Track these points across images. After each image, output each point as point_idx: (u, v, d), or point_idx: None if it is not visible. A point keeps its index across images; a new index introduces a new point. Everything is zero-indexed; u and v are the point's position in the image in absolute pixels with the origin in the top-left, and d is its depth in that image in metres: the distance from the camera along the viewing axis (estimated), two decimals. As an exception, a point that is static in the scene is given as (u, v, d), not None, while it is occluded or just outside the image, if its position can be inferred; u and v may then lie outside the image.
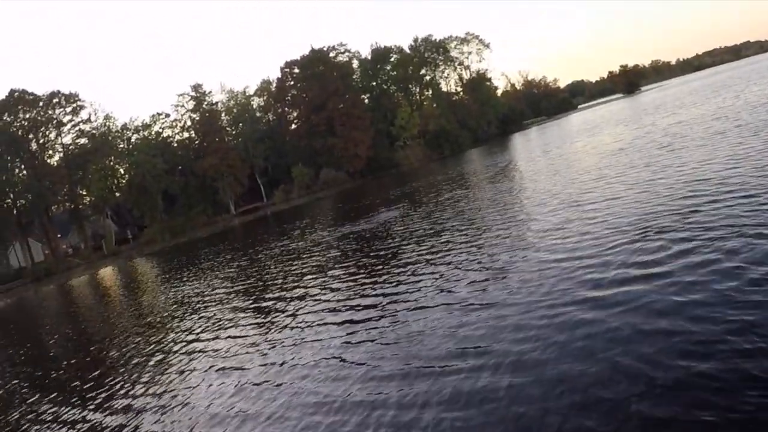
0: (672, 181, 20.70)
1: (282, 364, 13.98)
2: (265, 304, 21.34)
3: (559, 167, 36.83)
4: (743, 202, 15.52)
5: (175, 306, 26.80)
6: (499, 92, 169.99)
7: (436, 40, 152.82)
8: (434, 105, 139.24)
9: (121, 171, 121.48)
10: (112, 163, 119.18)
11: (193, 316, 23.01)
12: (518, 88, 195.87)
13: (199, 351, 17.32)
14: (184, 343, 18.89)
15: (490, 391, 9.57)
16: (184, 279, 35.88)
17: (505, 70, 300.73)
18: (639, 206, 18.63)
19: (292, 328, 16.93)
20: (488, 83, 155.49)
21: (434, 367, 11.11)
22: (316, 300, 19.43)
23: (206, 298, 25.97)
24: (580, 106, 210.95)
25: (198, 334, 19.64)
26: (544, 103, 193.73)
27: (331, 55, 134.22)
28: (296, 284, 22.97)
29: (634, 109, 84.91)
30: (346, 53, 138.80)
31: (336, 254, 27.72)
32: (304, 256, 30.15)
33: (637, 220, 16.98)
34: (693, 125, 36.18)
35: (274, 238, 45.54)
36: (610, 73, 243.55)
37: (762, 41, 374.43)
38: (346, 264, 24.40)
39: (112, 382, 16.47)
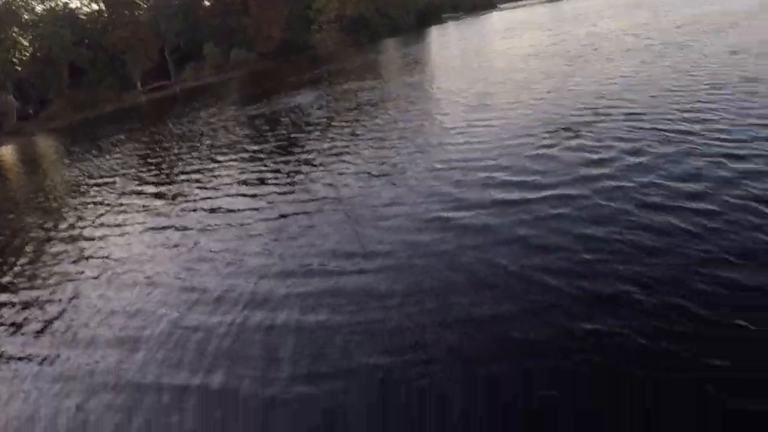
0: (576, 92, 21.21)
1: (168, 247, 14.29)
2: (164, 188, 21.37)
3: (472, 65, 37.13)
4: (628, 119, 16.22)
5: (73, 186, 26.32)
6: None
7: None
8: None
9: (26, 44, 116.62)
10: (16, 35, 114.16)
11: (90, 196, 22.81)
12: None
13: (95, 236, 17.15)
14: (78, 226, 18.72)
15: (368, 292, 9.66)
16: (85, 157, 35.28)
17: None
18: (542, 114, 18.94)
19: (190, 210, 17.19)
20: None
21: (312, 266, 11.11)
22: (216, 185, 19.56)
23: (105, 178, 25.72)
24: (500, 6, 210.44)
25: (95, 215, 19.50)
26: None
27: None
28: (199, 167, 23.00)
29: (554, 15, 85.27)
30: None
31: (237, 138, 27.83)
32: (209, 137, 30.13)
33: (538, 126, 17.35)
34: (606, 39, 36.99)
35: (181, 116, 45.05)
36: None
37: None
38: (246, 148, 24.53)
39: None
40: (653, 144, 13.73)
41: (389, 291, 9.59)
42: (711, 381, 6.40)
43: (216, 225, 15.27)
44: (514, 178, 13.30)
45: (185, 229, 15.49)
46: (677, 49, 26.38)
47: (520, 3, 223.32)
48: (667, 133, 14.33)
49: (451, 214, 12.05)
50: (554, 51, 34.95)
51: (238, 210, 16.07)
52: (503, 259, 9.75)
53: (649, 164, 12.55)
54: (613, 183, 11.93)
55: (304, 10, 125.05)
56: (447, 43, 67.07)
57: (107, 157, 32.53)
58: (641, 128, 15.21)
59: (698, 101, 16.91)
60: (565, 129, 16.37)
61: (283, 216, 14.68)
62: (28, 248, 17.48)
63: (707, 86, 18.51)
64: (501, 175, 13.68)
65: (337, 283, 10.30)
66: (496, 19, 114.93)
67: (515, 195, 12.33)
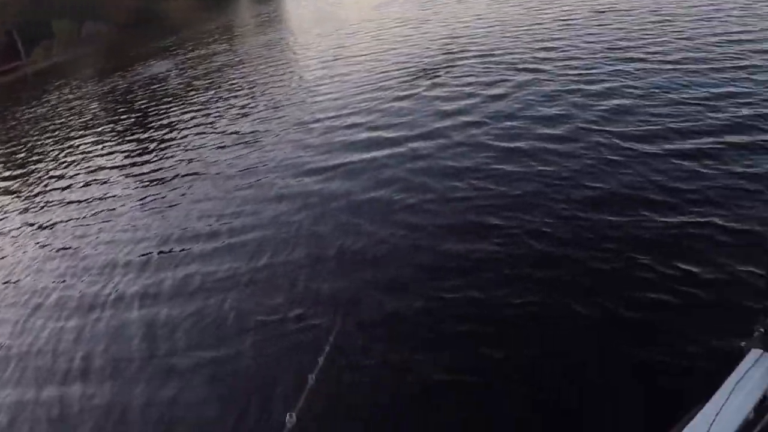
0: (429, 37, 22.41)
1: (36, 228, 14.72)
2: (19, 177, 21.41)
3: (325, 18, 38.20)
4: (482, 61, 17.68)
5: None
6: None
7: None
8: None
9: None
10: None
11: None
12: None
13: None
14: None
15: (230, 272, 9.90)
16: None
17: None
18: (397, 62, 20.10)
19: (47, 198, 17.46)
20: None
21: (165, 251, 11.43)
22: (74, 167, 19.76)
23: None
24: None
25: None
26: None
27: None
28: (55, 150, 22.96)
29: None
30: None
31: (92, 116, 27.98)
32: (63, 118, 29.94)
33: (393, 76, 18.48)
34: None
35: (33, 99, 43.74)
36: None
37: None
38: (103, 126, 24.74)
39: None
40: (508, 83, 14.66)
41: (249, 270, 9.75)
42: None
43: (75, 210, 15.54)
44: (374, 134, 13.81)
45: (47, 222, 15.47)
46: None
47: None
48: (517, 67, 15.51)
49: (309, 179, 12.46)
50: (398, 10, 34.94)
51: (93, 197, 16.14)
52: (368, 224, 10.06)
53: (504, 104, 13.36)
54: (468, 118, 12.83)
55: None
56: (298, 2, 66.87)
57: None
58: (495, 68, 16.23)
59: (547, 35, 18.45)
60: (420, 76, 17.20)
61: (149, 186, 15.17)
62: None
63: (556, 20, 20.09)
64: (360, 133, 14.22)
65: (189, 268, 10.37)
66: None
67: (380, 138, 13.15)
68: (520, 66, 15.95)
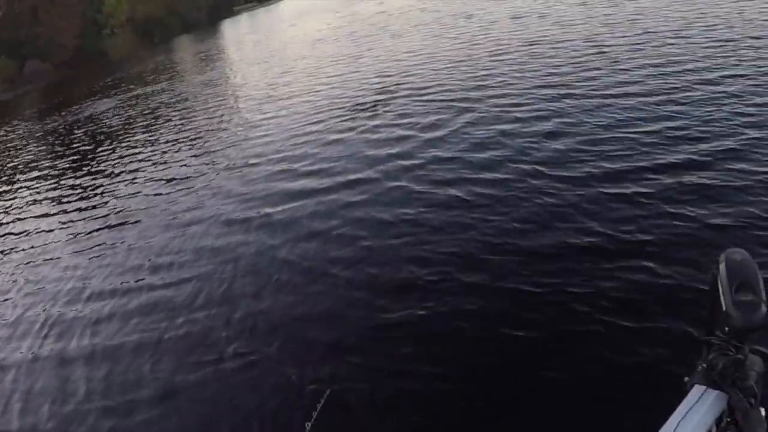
0: (363, 74, 22.36)
1: None
2: None
3: (262, 56, 38.44)
4: (415, 96, 17.61)
5: None
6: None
7: None
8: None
9: None
10: None
11: None
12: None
13: None
14: None
15: (169, 306, 9.75)
16: None
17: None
18: (331, 99, 20.03)
19: (9, 230, 17.16)
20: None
21: (110, 286, 11.16)
22: (7, 208, 19.49)
23: None
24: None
25: None
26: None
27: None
28: (6, 186, 22.73)
29: None
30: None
31: (30, 156, 27.50)
32: (11, 155, 29.69)
33: (327, 113, 18.34)
34: (393, 15, 39.03)
35: None
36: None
37: None
38: (40, 166, 24.34)
39: None
40: (442, 123, 14.42)
41: (189, 303, 9.62)
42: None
43: (11, 252, 15.27)
44: (304, 181, 13.45)
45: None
46: (463, 20, 28.35)
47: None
48: (453, 105, 15.28)
49: (248, 214, 12.30)
50: (342, 33, 36.88)
51: (33, 234, 15.98)
52: (301, 258, 9.99)
53: (438, 147, 13.04)
54: (403, 162, 12.48)
55: (95, 14, 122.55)
56: (239, 35, 69.39)
57: None
58: (427, 103, 16.16)
59: (482, 69, 18.26)
60: (354, 117, 17.00)
61: (78, 235, 14.67)
62: None
63: (490, 54, 19.98)
64: (291, 179, 13.85)
65: (131, 302, 10.29)
66: (288, 6, 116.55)
67: (312, 185, 12.77)
68: (455, 104, 15.67)
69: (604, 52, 17.27)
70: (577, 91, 14.33)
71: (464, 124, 13.92)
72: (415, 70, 20.63)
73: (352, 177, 12.57)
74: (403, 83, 19.23)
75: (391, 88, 18.96)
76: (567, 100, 13.84)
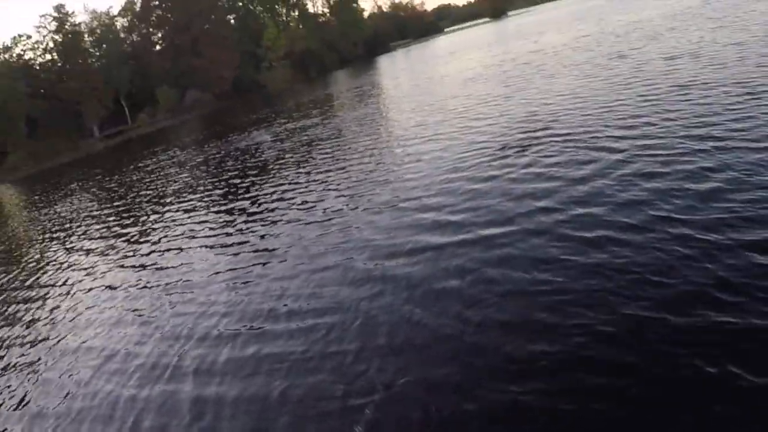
0: (514, 116, 21.23)
1: (145, 290, 14.43)
2: (130, 230, 21.77)
3: (416, 94, 37.69)
4: (566, 142, 16.29)
5: (41, 236, 27.00)
6: (365, 14, 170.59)
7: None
8: (301, 26, 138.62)
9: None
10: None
11: (57, 244, 23.45)
12: (385, 10, 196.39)
13: (66, 281, 17.60)
14: (51, 273, 19.24)
15: (297, 355, 9.42)
16: (50, 207, 35.81)
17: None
18: (481, 142, 18.93)
19: (156, 253, 17.41)
20: (355, 5, 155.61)
21: (245, 329, 10.83)
22: (182, 225, 19.81)
23: (63, 228, 26.35)
24: (446, 30, 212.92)
25: (64, 262, 20.07)
26: (410, 26, 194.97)
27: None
28: (153, 214, 23.22)
29: (499, 34, 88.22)
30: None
31: (187, 182, 28.05)
32: (162, 182, 30.48)
33: (477, 156, 17.35)
34: (546, 54, 38.36)
35: (140, 160, 45.81)
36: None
37: None
38: (197, 192, 24.73)
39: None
40: (586, 165, 13.76)
41: (318, 355, 9.31)
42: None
43: (154, 276, 15.47)
44: (450, 218, 12.93)
45: (125, 285, 15.52)
46: (615, 60, 27.48)
47: (465, 24, 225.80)
48: (601, 154, 14.32)
49: (388, 263, 11.74)
50: (493, 72, 35.94)
51: (172, 265, 15.98)
52: (429, 317, 9.37)
53: (581, 189, 12.37)
54: (545, 218, 11.54)
55: (254, 48, 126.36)
56: (393, 71, 68.22)
57: (65, 206, 33.22)
58: (575, 149, 15.32)
59: (631, 115, 17.14)
60: (500, 157, 16.37)
61: (215, 269, 14.49)
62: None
63: (641, 97, 18.85)
64: (437, 215, 13.36)
65: (251, 347, 10.11)
66: (442, 43, 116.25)
67: (451, 237, 12.01)
68: (600, 147, 14.83)
69: (757, 97, 15.61)
70: (734, 144, 12.66)
71: (613, 176, 12.71)
72: (565, 113, 19.40)
73: (493, 231, 11.71)
74: (552, 128, 17.87)
75: (539, 133, 17.61)
76: (722, 154, 12.14)
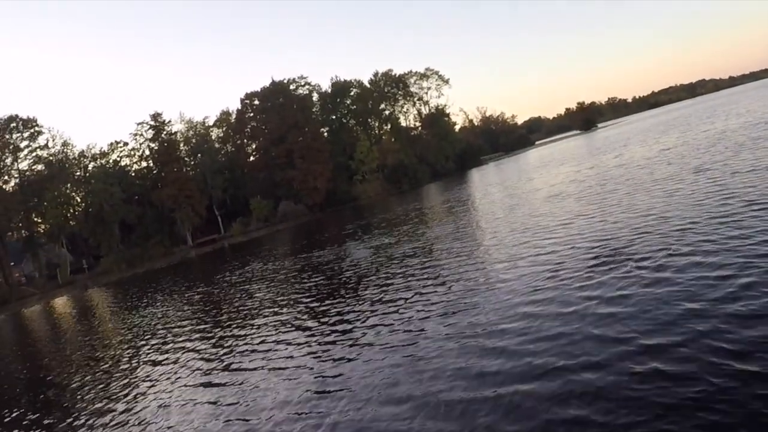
0: (595, 236, 20.81)
1: (246, 396, 14.12)
2: (222, 336, 21.54)
3: (513, 203, 37.79)
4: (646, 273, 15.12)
5: (129, 339, 26.78)
6: (457, 128, 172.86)
7: (395, 74, 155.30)
8: (393, 139, 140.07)
9: (78, 199, 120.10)
10: (68, 191, 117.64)
11: (148, 349, 23.06)
12: (476, 123, 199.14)
13: (156, 387, 17.30)
14: (138, 380, 18.84)
15: None
16: (140, 311, 35.78)
17: (463, 106, 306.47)
18: (562, 266, 18.36)
19: (251, 360, 17.13)
20: (447, 119, 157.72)
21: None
22: (277, 331, 19.70)
23: (163, 331, 26.04)
24: (537, 143, 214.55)
25: (154, 368, 19.71)
26: (501, 139, 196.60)
27: (291, 87, 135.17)
28: (244, 322, 23.10)
29: (587, 146, 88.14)
30: (306, 86, 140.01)
31: (293, 287, 27.90)
32: (254, 291, 30.31)
33: (558, 285, 16.52)
34: (630, 168, 38.46)
35: (232, 269, 45.97)
36: (567, 110, 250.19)
37: (717, 79, 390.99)
38: (302, 297, 24.59)
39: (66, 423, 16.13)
40: (666, 306, 12.41)
41: None
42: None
43: (248, 377, 15.60)
44: (518, 348, 12.34)
45: (220, 384, 15.83)
46: (697, 174, 26.94)
47: (556, 137, 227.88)
48: (680, 287, 13.25)
49: (463, 403, 10.84)
50: (578, 189, 35.57)
51: (265, 368, 16.15)
52: None
53: (656, 347, 10.70)
54: (614, 366, 10.42)
55: (347, 161, 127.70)
56: (484, 186, 67.32)
57: (157, 311, 33.26)
58: (654, 277, 14.38)
59: (708, 235, 16.65)
60: (578, 281, 15.80)
61: (284, 396, 13.84)
62: (79, 403, 17.80)
63: (719, 216, 18.33)
64: (509, 344, 12.73)
65: None
66: (534, 155, 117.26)
67: (517, 370, 11.36)
68: (681, 288, 13.29)
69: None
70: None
71: (696, 325, 11.01)
72: (644, 234, 18.82)
73: (559, 365, 10.93)
74: (630, 250, 17.22)
75: (617, 256, 17.02)
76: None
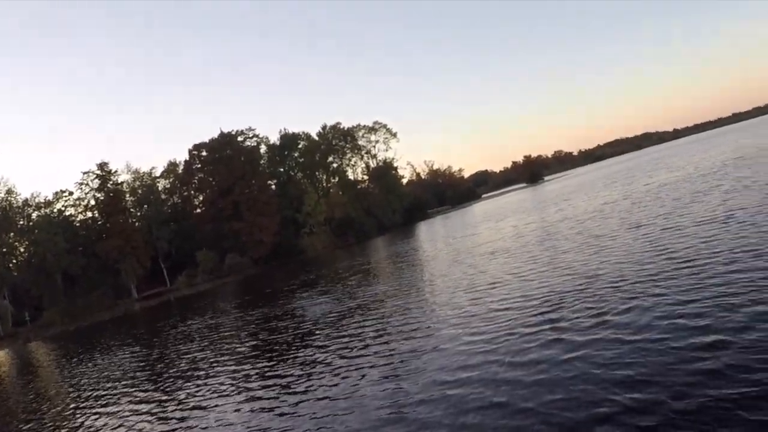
0: (530, 301, 20.34)
1: None
2: (161, 395, 21.41)
3: (455, 259, 38.24)
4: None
5: (68, 394, 26.56)
6: (404, 181, 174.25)
7: (344, 127, 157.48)
8: (341, 192, 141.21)
9: (21, 249, 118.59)
10: (11, 240, 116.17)
11: (84, 407, 22.84)
12: (423, 177, 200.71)
13: None
14: None
15: None
16: (81, 366, 35.47)
17: (411, 159, 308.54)
18: (516, 308, 19.17)
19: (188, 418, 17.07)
20: (394, 172, 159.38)
21: None
22: (212, 392, 19.53)
23: (102, 388, 25.80)
24: (483, 196, 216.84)
25: (92, 425, 19.55)
26: (448, 192, 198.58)
27: (240, 139, 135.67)
28: (190, 377, 22.98)
29: (532, 200, 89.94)
30: (255, 138, 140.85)
31: (232, 345, 27.89)
32: (203, 346, 30.18)
33: (519, 316, 17.78)
34: (570, 222, 39.96)
35: (175, 324, 45.72)
36: (513, 163, 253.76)
37: (660, 132, 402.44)
38: (241, 356, 24.59)
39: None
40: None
41: None
42: None
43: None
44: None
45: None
46: (632, 230, 28.09)
47: (502, 190, 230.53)
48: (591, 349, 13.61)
49: None
50: (517, 245, 36.17)
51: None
52: None
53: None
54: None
55: (294, 213, 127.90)
56: (435, 237, 68.80)
57: (99, 366, 32.96)
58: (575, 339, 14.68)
59: (635, 295, 16.86)
60: (511, 353, 15.19)
61: None
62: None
63: (647, 278, 18.46)
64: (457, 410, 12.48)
65: None
66: (480, 209, 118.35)
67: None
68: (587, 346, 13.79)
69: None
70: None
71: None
72: (576, 292, 19.13)
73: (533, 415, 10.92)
74: (562, 312, 17.20)
75: (549, 317, 17.05)
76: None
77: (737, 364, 10.19)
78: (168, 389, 21.64)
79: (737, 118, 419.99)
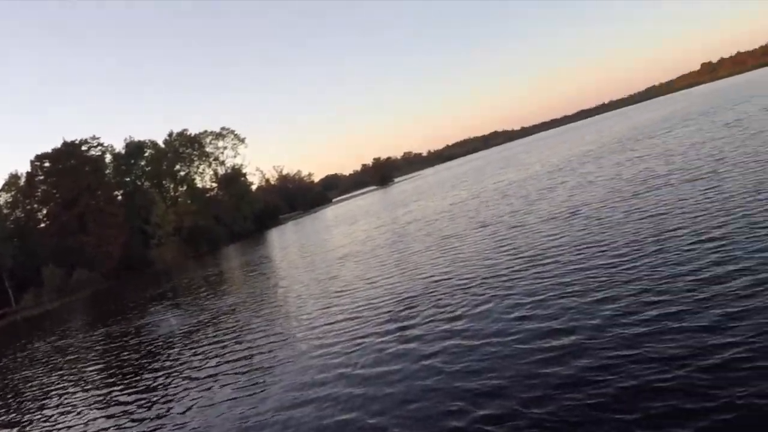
0: (383, 306, 21.00)
1: None
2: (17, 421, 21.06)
3: (309, 264, 39.52)
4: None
5: None
6: (254, 187, 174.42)
7: (191, 134, 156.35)
8: (189, 201, 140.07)
9: None
10: None
11: None
12: (273, 182, 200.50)
13: None
14: None
15: None
16: None
17: (260, 165, 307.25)
18: (365, 315, 19.83)
19: None
20: (243, 178, 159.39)
21: None
22: (58, 420, 19.29)
23: None
24: (335, 200, 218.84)
25: None
26: (299, 197, 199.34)
27: (84, 148, 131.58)
28: (39, 404, 22.59)
29: (382, 202, 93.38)
30: (99, 147, 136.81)
31: (78, 370, 27.36)
32: (48, 370, 29.54)
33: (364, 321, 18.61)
34: (421, 222, 41.76)
35: (20, 349, 44.59)
36: (363, 166, 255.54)
37: (509, 131, 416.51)
38: (91, 377, 24.44)
39: None
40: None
41: None
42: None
43: None
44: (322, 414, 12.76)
45: None
46: (477, 230, 29.54)
47: (353, 194, 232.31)
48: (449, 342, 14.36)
49: None
50: (365, 249, 37.33)
51: None
52: None
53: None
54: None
55: (143, 224, 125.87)
56: (281, 247, 69.83)
57: None
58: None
59: (478, 297, 17.52)
60: (360, 351, 16.20)
61: None
62: None
63: (488, 278, 19.25)
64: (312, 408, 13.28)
65: None
66: (331, 213, 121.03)
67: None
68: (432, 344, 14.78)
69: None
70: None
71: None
72: (425, 296, 20.00)
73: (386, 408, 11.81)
74: (409, 322, 17.62)
75: (402, 323, 17.66)
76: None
77: (591, 366, 10.71)
78: (8, 421, 21.38)
79: (584, 114, 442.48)
